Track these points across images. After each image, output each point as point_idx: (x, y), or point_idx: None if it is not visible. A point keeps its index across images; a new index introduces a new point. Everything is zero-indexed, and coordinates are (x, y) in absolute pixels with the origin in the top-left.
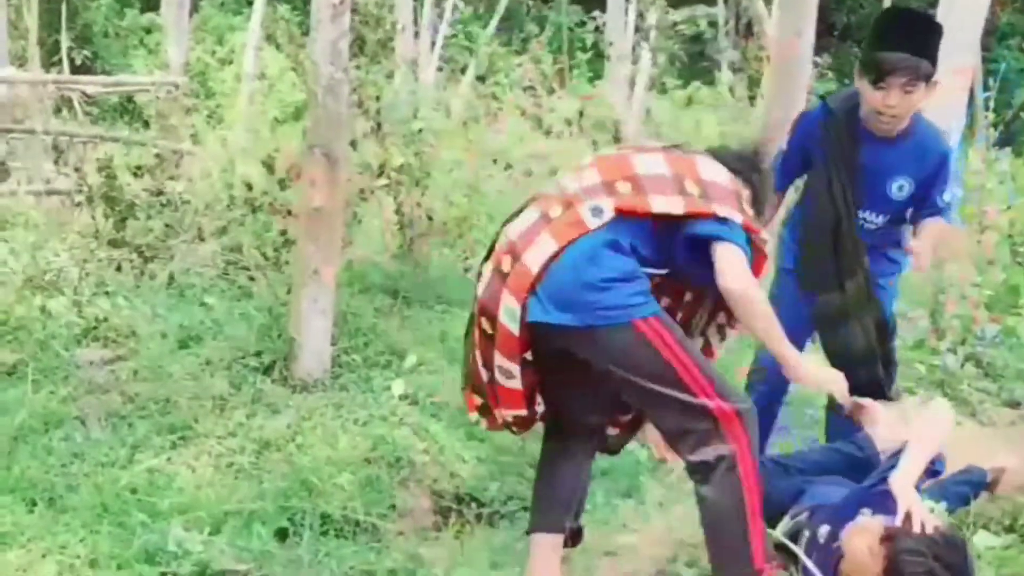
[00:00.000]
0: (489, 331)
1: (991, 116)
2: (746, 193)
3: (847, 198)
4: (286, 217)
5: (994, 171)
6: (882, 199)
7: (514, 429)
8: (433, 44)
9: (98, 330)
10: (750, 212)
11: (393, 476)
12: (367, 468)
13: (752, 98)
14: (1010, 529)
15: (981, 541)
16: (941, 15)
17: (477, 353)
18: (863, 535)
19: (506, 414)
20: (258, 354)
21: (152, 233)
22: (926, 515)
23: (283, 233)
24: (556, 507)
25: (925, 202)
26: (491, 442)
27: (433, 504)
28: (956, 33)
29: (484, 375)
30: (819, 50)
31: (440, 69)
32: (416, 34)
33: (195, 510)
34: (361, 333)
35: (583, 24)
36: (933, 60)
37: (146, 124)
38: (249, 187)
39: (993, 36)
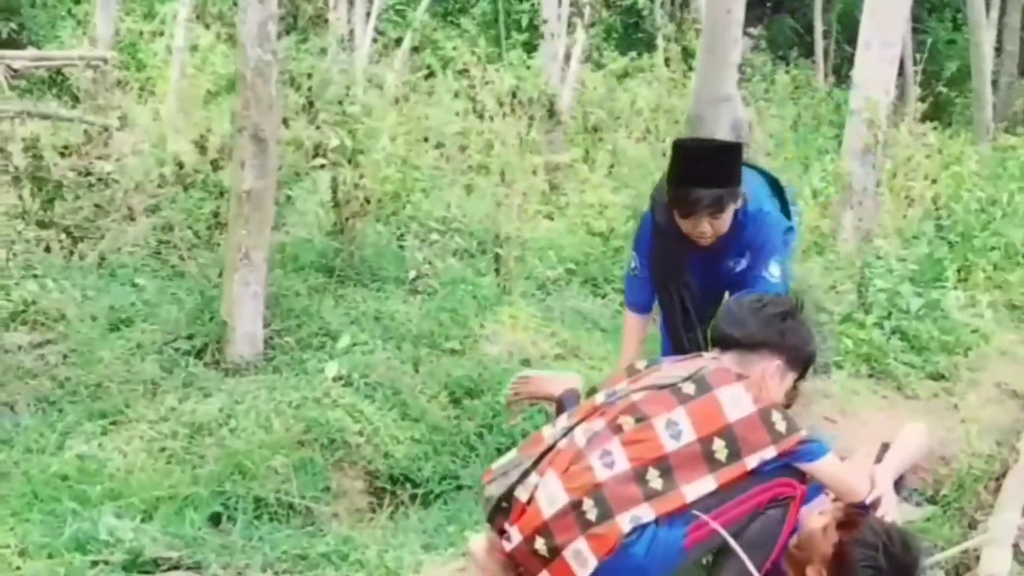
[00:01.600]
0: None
1: (916, 90)
2: (778, 376)
3: (683, 302)
4: (218, 198)
5: (921, 144)
6: (718, 276)
7: None
8: (368, 15)
9: (26, 313)
10: (783, 420)
11: (327, 458)
12: (301, 451)
13: (688, 71)
14: (931, 500)
15: (902, 513)
16: None
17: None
18: (824, 515)
19: None
20: (190, 337)
21: (81, 213)
22: (891, 508)
23: (215, 215)
24: None
25: (749, 277)
26: (425, 421)
27: (367, 485)
28: (887, 4)
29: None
30: (754, 22)
31: (375, 41)
32: (351, 4)
33: (127, 496)
34: (294, 315)
35: None
36: (737, 181)
37: (75, 99)
38: (180, 165)
39: (923, 7)
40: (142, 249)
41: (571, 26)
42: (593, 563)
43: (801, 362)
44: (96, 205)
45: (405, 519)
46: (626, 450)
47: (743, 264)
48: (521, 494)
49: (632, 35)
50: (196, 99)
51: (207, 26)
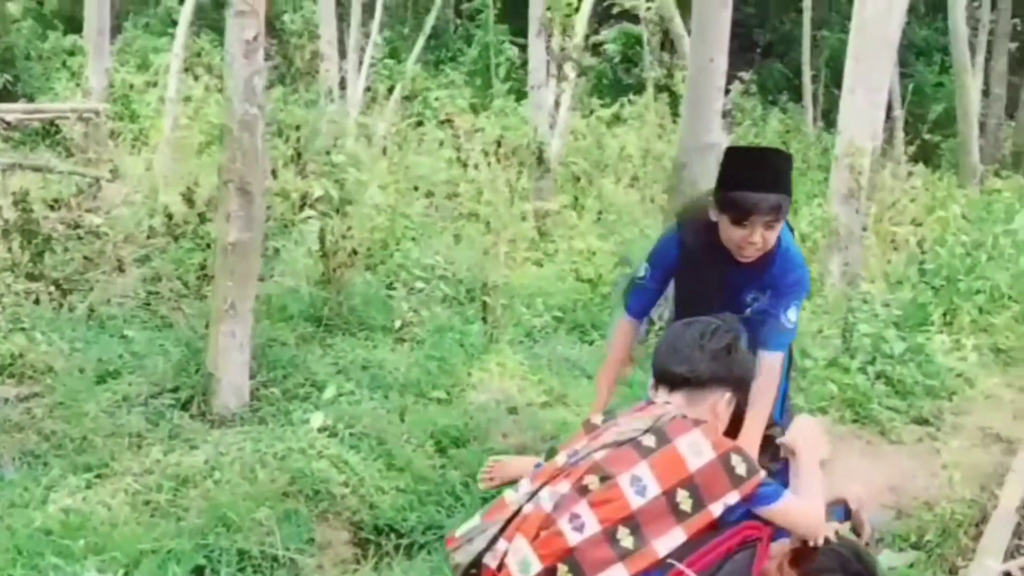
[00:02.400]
0: None
1: (902, 134)
2: (727, 408)
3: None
4: (205, 249)
5: (906, 188)
6: (736, 305)
7: None
8: (360, 65)
9: (14, 366)
10: (742, 463)
11: (312, 509)
12: (285, 502)
13: (677, 117)
14: (915, 546)
15: (886, 560)
16: (855, 31)
17: None
18: (773, 560)
19: None
20: (176, 389)
21: (71, 265)
22: (828, 527)
23: (202, 266)
24: None
25: (769, 312)
26: (411, 471)
27: (352, 536)
28: (870, 51)
29: None
30: (743, 66)
31: (367, 91)
32: (342, 56)
33: (110, 550)
34: (280, 365)
35: (509, 44)
36: (789, 192)
37: (68, 151)
38: (170, 216)
39: (910, 51)
40: (131, 300)
41: (561, 74)
42: None
43: (745, 389)
44: (85, 257)
45: (389, 570)
46: (594, 511)
47: (762, 301)
48: (490, 561)
49: (623, 81)
50: (189, 149)
51: (196, 78)
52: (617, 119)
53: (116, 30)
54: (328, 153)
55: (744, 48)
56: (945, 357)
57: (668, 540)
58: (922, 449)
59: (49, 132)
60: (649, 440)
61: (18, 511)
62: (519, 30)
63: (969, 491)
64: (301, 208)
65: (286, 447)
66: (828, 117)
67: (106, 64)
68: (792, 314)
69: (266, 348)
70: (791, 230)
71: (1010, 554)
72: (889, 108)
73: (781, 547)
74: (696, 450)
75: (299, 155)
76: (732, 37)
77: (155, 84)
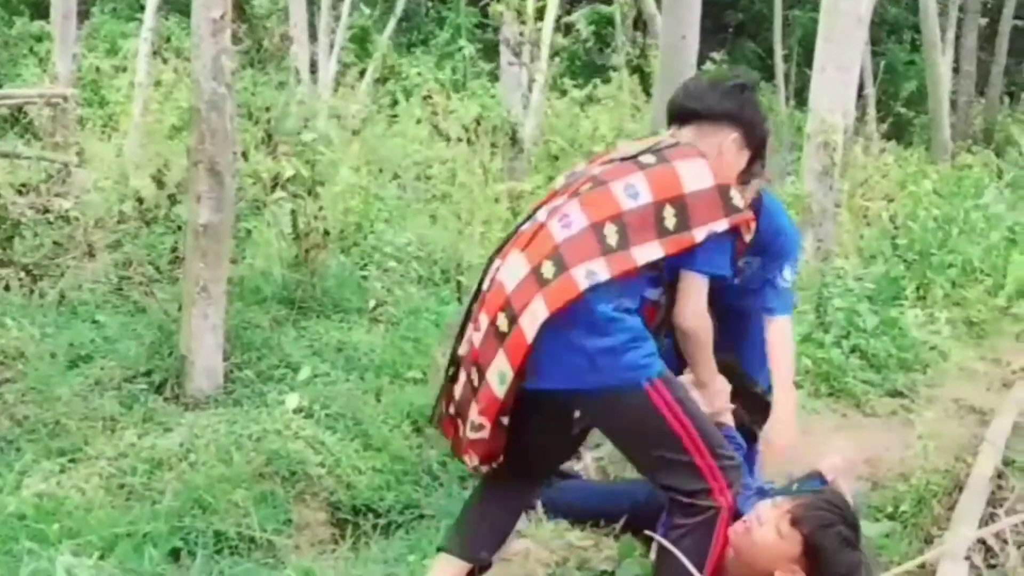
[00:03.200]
0: (475, 384)
1: (874, 111)
2: (735, 150)
3: None
4: (176, 232)
5: (879, 164)
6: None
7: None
8: (331, 47)
9: None
10: (738, 196)
11: (288, 491)
12: (262, 483)
13: (649, 95)
14: (891, 516)
15: (862, 530)
16: (826, 10)
17: (453, 398)
18: (767, 525)
19: (465, 458)
20: (148, 372)
21: (41, 251)
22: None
23: (174, 249)
24: (480, 540)
25: (766, 278)
26: (387, 451)
27: (329, 517)
28: (841, 29)
29: (454, 421)
30: (715, 46)
31: (339, 72)
32: (314, 37)
33: (85, 534)
34: (254, 347)
35: (482, 27)
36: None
37: (36, 136)
38: (140, 200)
39: (881, 29)
40: (103, 285)
41: (528, 55)
42: (543, 315)
43: (756, 139)
44: (56, 243)
45: (367, 550)
46: (584, 209)
47: (753, 266)
48: (485, 284)
49: (596, 62)
50: (159, 134)
51: (165, 61)
52: (590, 100)
53: (84, 15)
54: (299, 134)
55: (716, 28)
56: (918, 330)
57: (647, 251)
58: (896, 421)
59: (17, 119)
60: (649, 159)
61: None
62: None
63: (943, 461)
64: (272, 189)
65: (261, 429)
66: (800, 96)
67: (73, 50)
68: (788, 274)
69: (240, 330)
70: None
71: (984, 522)
72: (861, 86)
73: (773, 509)
74: (696, 175)
75: (270, 137)
76: (703, 17)
77: (124, 69)
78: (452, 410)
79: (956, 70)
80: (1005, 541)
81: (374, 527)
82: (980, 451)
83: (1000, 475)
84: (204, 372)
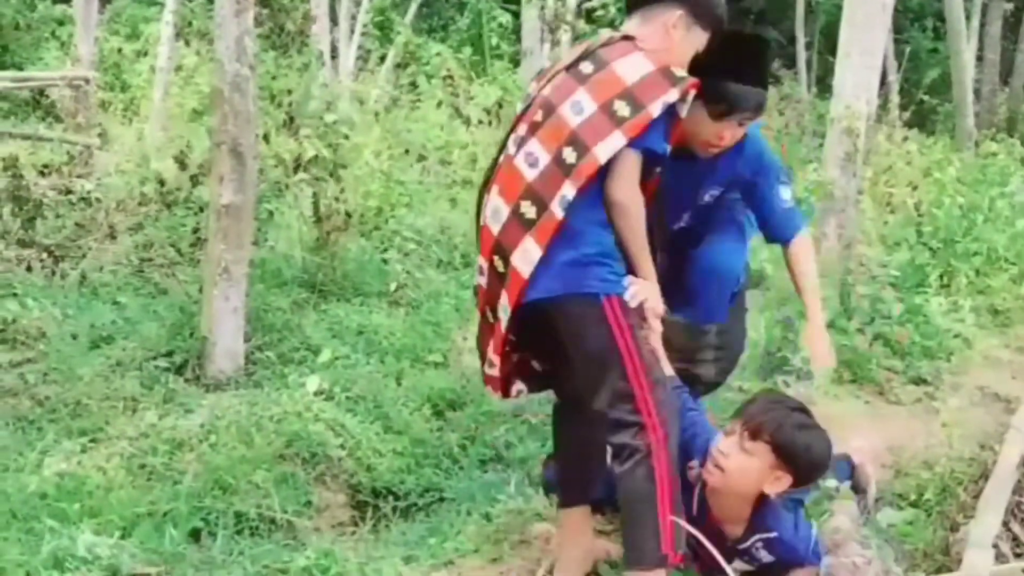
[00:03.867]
0: (491, 320)
1: (897, 98)
2: (683, 29)
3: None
4: (198, 214)
5: (902, 152)
6: (692, 207)
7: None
8: (352, 32)
9: (6, 332)
10: (682, 74)
11: (309, 472)
12: (282, 465)
13: None
14: (914, 504)
15: (885, 518)
16: None
17: (483, 339)
18: (732, 453)
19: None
20: (170, 354)
21: (63, 232)
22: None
23: (195, 231)
24: (583, 481)
25: (763, 208)
26: (408, 434)
27: (349, 499)
28: (865, 15)
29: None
30: None
31: (359, 58)
32: (334, 22)
33: (106, 513)
34: (275, 329)
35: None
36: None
37: (58, 119)
38: (162, 183)
39: (905, 17)
40: (124, 267)
41: (554, 39)
42: (537, 255)
43: (708, 15)
44: (77, 224)
45: (387, 532)
46: (542, 144)
47: (717, 193)
48: (482, 219)
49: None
50: (181, 118)
51: (187, 43)
52: None
53: (106, 0)
54: (321, 118)
55: (738, 15)
56: (943, 318)
57: (608, 144)
58: (921, 409)
59: (39, 102)
60: (587, 67)
61: (12, 476)
62: None
63: (968, 449)
64: (295, 171)
65: (282, 410)
66: (822, 83)
67: (95, 33)
68: (786, 193)
69: (261, 312)
70: None
71: (1010, 510)
72: (884, 74)
73: (728, 437)
74: (634, 67)
75: (291, 119)
76: (725, 4)
77: (145, 53)
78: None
79: (980, 58)
80: None
81: (394, 510)
82: (1006, 439)
83: None
84: (225, 353)
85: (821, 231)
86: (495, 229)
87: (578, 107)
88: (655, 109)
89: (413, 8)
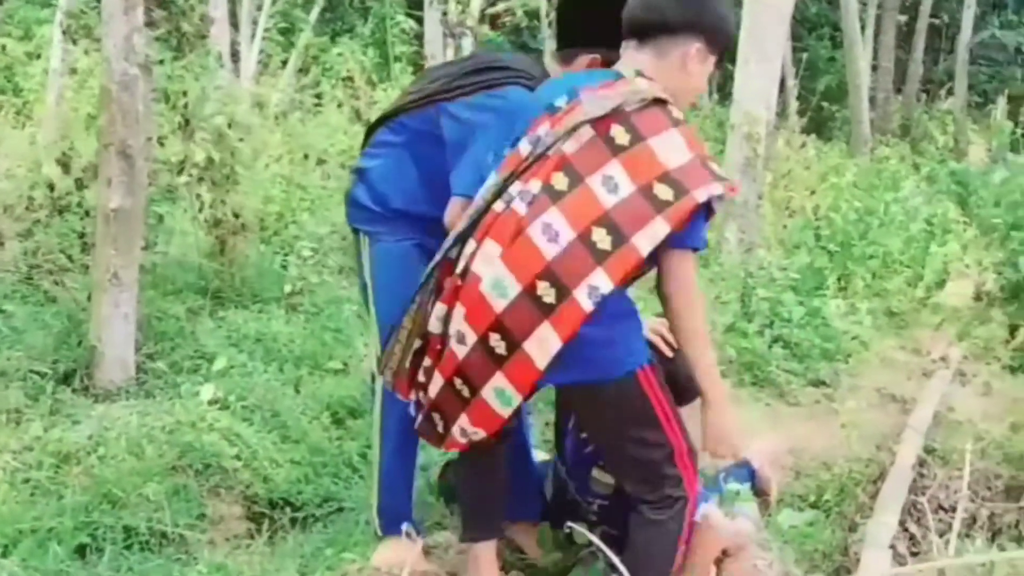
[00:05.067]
0: (464, 395)
1: (796, 105)
2: (699, 61)
3: None
4: (84, 219)
5: (800, 157)
6: None
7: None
8: (253, 36)
9: None
10: (714, 162)
11: (203, 484)
12: (175, 477)
13: None
14: (814, 505)
15: (785, 519)
16: (748, 3)
17: (419, 375)
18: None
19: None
20: (56, 363)
21: None
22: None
23: (81, 236)
24: (498, 512)
25: None
26: (306, 443)
27: (245, 511)
28: (764, 22)
29: (424, 402)
30: None
31: (261, 62)
32: (235, 27)
33: None
34: (168, 337)
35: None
36: None
37: None
38: (52, 187)
39: (803, 26)
40: (12, 275)
41: (456, 45)
42: (556, 346)
43: (720, 42)
44: None
45: (283, 544)
46: (567, 218)
47: None
48: (458, 266)
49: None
50: (77, 122)
51: (74, 42)
52: None
53: None
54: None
55: None
56: (841, 321)
57: (648, 234)
58: (820, 410)
59: None
60: (620, 135)
61: None
62: (415, 2)
63: (866, 450)
64: (179, 174)
65: (175, 421)
66: (723, 91)
67: None
68: None
69: (153, 320)
70: None
71: (907, 510)
72: (783, 81)
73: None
74: (673, 149)
75: (187, 122)
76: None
77: (39, 56)
78: (423, 385)
79: (875, 67)
80: (928, 528)
81: (292, 521)
82: (902, 439)
83: (922, 463)
84: (115, 362)
85: (722, 236)
86: (496, 303)
87: (612, 184)
88: (700, 195)
89: (315, 12)
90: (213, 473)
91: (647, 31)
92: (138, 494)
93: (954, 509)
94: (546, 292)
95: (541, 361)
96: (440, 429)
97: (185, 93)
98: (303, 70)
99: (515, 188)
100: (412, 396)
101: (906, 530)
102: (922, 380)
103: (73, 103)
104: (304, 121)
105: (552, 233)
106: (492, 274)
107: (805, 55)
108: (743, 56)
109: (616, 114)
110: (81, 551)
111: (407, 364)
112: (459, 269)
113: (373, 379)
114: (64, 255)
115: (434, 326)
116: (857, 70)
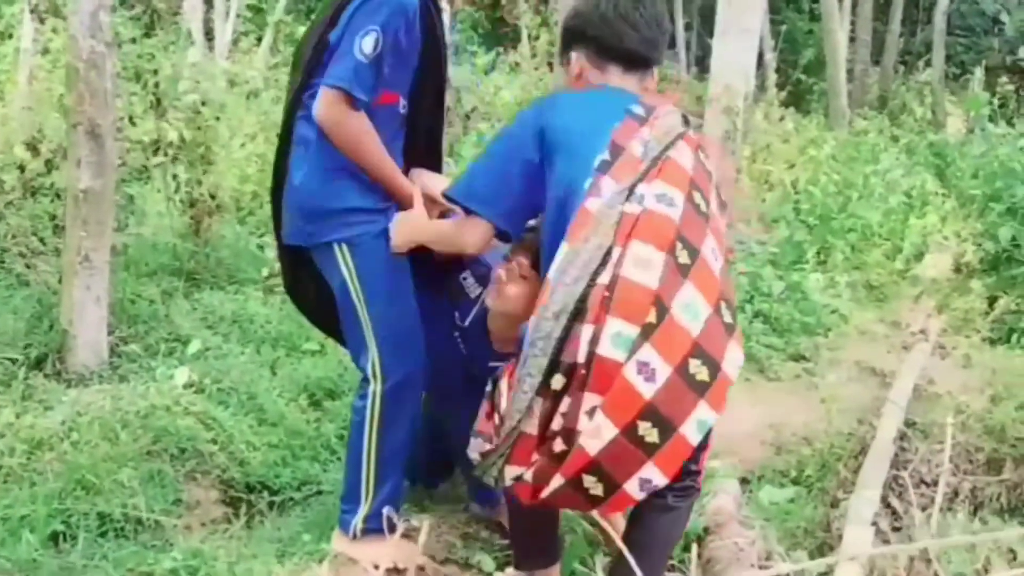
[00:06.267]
0: (653, 439)
1: (774, 78)
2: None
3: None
4: (55, 200)
5: (779, 130)
6: None
7: None
8: (228, 14)
9: None
10: None
11: (178, 469)
12: (150, 462)
13: (552, 64)
14: (796, 481)
15: (767, 496)
16: None
17: (551, 428)
18: (510, 277)
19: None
20: (27, 347)
21: None
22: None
23: (53, 218)
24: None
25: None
26: (283, 426)
27: (222, 495)
28: None
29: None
30: None
31: (235, 40)
32: (208, 3)
33: None
34: (142, 320)
35: None
36: None
37: None
38: (22, 169)
39: None
40: None
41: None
42: (662, 483)
43: None
44: None
45: (261, 528)
46: (661, 355)
47: None
48: (603, 277)
49: (498, 29)
50: (48, 103)
51: (42, 20)
52: (493, 67)
53: None
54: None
55: None
56: (820, 294)
57: (732, 357)
58: (800, 385)
59: None
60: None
61: None
62: None
63: (847, 425)
64: (154, 153)
65: (149, 405)
66: (702, 64)
67: None
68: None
69: (126, 302)
70: None
71: (888, 485)
72: (761, 54)
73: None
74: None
75: (159, 101)
76: None
77: (10, 36)
78: (556, 448)
79: (852, 39)
80: (910, 503)
81: (269, 505)
82: (883, 413)
83: (903, 437)
84: (87, 346)
85: None
86: (590, 445)
87: (714, 254)
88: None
89: None
90: (189, 457)
91: (646, 64)
92: (113, 480)
93: (936, 483)
94: (648, 432)
95: (639, 496)
96: (598, 491)
97: (156, 72)
98: (276, 48)
99: (642, 189)
100: (530, 462)
101: (888, 505)
102: (902, 353)
103: (45, 83)
104: (278, 99)
105: (649, 372)
106: (685, 299)
107: (784, 27)
108: (721, 29)
109: (693, 133)
110: (55, 539)
111: (528, 428)
112: (604, 278)
113: (368, 382)
114: (36, 237)
115: (579, 355)
116: (835, 42)
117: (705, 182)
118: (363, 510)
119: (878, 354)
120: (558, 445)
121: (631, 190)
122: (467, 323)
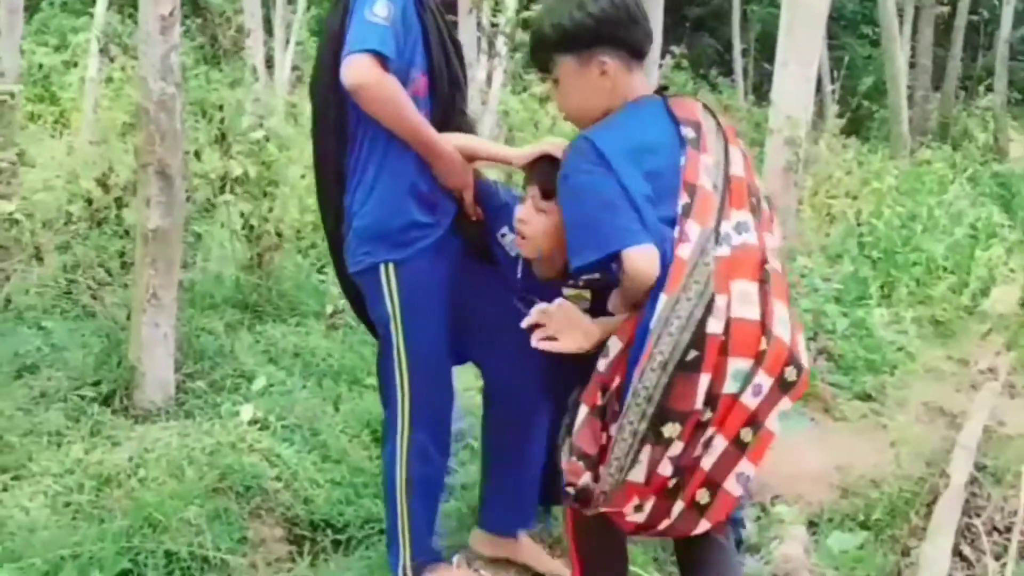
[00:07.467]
0: (747, 440)
1: (835, 108)
2: None
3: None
4: (124, 237)
5: (840, 161)
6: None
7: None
8: (287, 43)
9: None
10: None
11: (243, 506)
12: (215, 499)
13: None
14: (864, 525)
15: (836, 543)
16: (787, 4)
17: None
18: (529, 218)
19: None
20: (96, 384)
21: None
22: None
23: (121, 255)
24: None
25: None
26: (346, 463)
27: (286, 533)
28: (802, 23)
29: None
30: (674, 41)
31: (295, 69)
32: (269, 35)
33: (28, 556)
34: (207, 356)
35: None
36: None
37: None
38: (90, 201)
39: (839, 24)
40: (51, 289)
41: (492, 50)
42: (752, 474)
43: None
44: (1, 246)
45: (325, 567)
46: (767, 374)
47: None
48: (714, 327)
49: None
50: (112, 132)
51: (112, 59)
52: (549, 98)
53: (32, 9)
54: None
55: (675, 23)
56: (885, 331)
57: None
58: (867, 425)
59: None
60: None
61: None
62: (448, 6)
63: (916, 468)
64: (221, 190)
65: (215, 442)
66: (759, 91)
67: (18, 43)
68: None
69: (192, 338)
70: None
71: (960, 532)
72: (819, 81)
73: (521, 205)
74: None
75: (223, 136)
76: (663, 11)
77: (75, 65)
78: (670, 484)
79: (912, 65)
80: (983, 551)
81: (333, 543)
82: (953, 457)
83: (973, 481)
84: (155, 383)
85: None
86: (705, 463)
87: (784, 322)
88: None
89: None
90: (254, 495)
91: (640, 57)
92: (179, 518)
93: (1009, 530)
94: (745, 433)
95: (736, 492)
96: (705, 499)
97: (221, 107)
98: None
99: (724, 228)
100: (633, 502)
101: (959, 553)
102: (970, 392)
103: (109, 112)
104: None
105: (758, 389)
106: (779, 315)
107: (843, 53)
108: (781, 59)
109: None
110: None
111: (635, 477)
112: (718, 328)
113: (395, 433)
114: (103, 269)
115: (730, 386)
116: (895, 68)
117: (752, 174)
118: (406, 551)
119: (946, 393)
120: (671, 482)
121: (716, 232)
122: (519, 278)
